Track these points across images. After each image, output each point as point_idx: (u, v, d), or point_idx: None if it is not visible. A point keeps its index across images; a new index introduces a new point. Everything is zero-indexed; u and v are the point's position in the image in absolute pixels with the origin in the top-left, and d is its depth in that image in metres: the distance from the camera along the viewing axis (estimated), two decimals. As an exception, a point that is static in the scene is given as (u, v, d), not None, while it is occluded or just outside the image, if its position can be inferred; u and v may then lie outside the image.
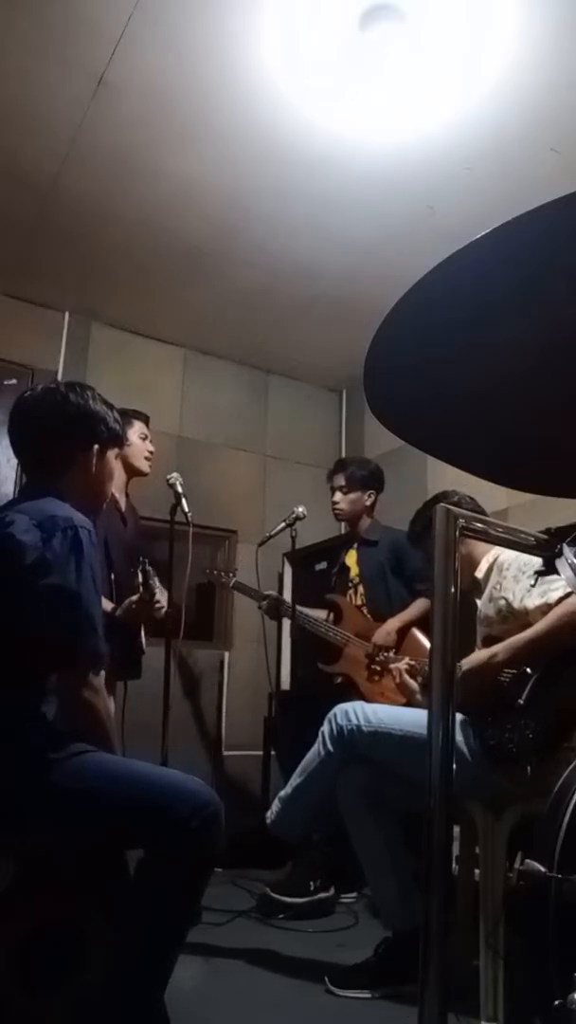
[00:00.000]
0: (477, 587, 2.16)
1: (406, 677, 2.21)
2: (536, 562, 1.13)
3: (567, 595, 1.83)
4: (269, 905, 2.51)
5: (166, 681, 2.60)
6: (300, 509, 3.09)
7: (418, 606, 2.92)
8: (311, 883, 2.58)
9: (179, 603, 2.75)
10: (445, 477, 2.96)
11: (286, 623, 3.50)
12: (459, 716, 1.83)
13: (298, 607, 3.12)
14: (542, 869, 0.96)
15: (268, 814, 2.23)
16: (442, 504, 1.12)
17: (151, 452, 2.87)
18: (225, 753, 3.88)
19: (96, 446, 1.61)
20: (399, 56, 2.25)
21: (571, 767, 1.05)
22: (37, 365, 3.71)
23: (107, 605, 2.38)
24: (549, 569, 1.09)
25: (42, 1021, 1.32)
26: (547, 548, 1.08)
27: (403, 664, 2.25)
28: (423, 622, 2.81)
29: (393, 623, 2.92)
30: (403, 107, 2.47)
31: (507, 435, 0.93)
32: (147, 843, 1.33)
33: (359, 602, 3.16)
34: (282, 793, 2.20)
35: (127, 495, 2.90)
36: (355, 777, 2.01)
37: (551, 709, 1.75)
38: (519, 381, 0.81)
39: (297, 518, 3.08)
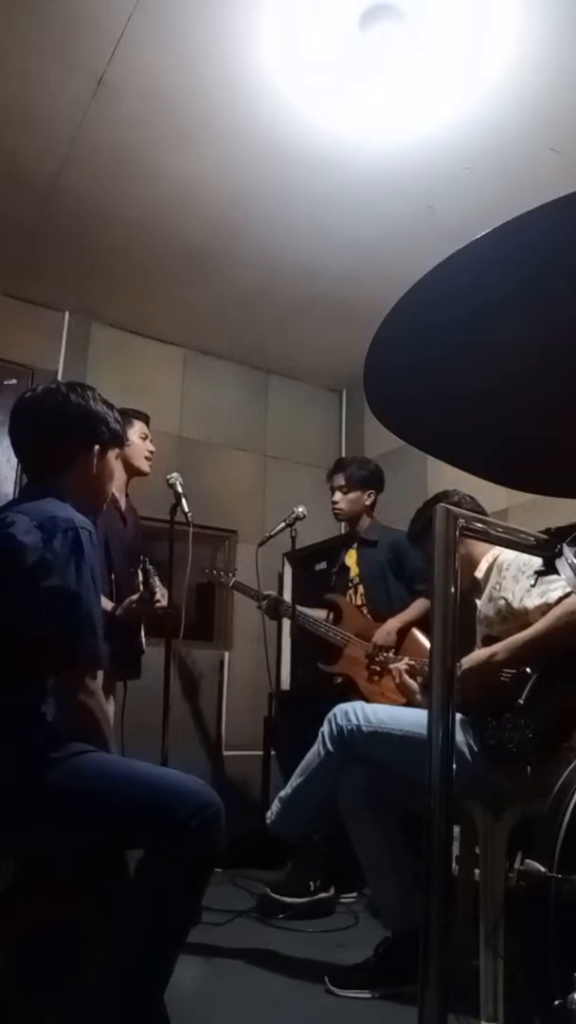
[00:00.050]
0: (477, 587, 2.16)
1: (406, 677, 2.21)
2: (536, 562, 1.13)
3: (567, 595, 1.83)
4: (269, 905, 2.51)
5: (166, 681, 2.60)
6: (300, 509, 3.09)
7: (418, 606, 2.91)
8: (311, 883, 2.58)
9: (179, 603, 2.75)
10: (445, 477, 2.96)
11: (286, 623, 3.50)
12: (459, 716, 1.83)
13: (298, 607, 3.12)
14: (542, 869, 0.96)
15: (268, 814, 2.23)
16: (442, 504, 1.12)
17: (151, 452, 2.87)
18: (225, 753, 3.88)
19: (97, 446, 1.61)
20: (399, 56, 2.25)
21: (571, 767, 1.05)
22: (37, 365, 3.71)
23: (107, 604, 2.38)
24: (549, 569, 1.09)
25: (42, 1021, 1.32)
26: (547, 548, 1.08)
27: (403, 664, 2.25)
28: (423, 622, 2.81)
29: (393, 623, 2.92)
30: (403, 107, 2.47)
31: (507, 435, 0.93)
32: (147, 843, 1.33)
33: (359, 602, 3.16)
34: (282, 793, 2.20)
35: (127, 495, 2.90)
36: (355, 777, 2.01)
37: (551, 709, 1.75)
38: (519, 381, 0.81)
39: (297, 518, 3.08)
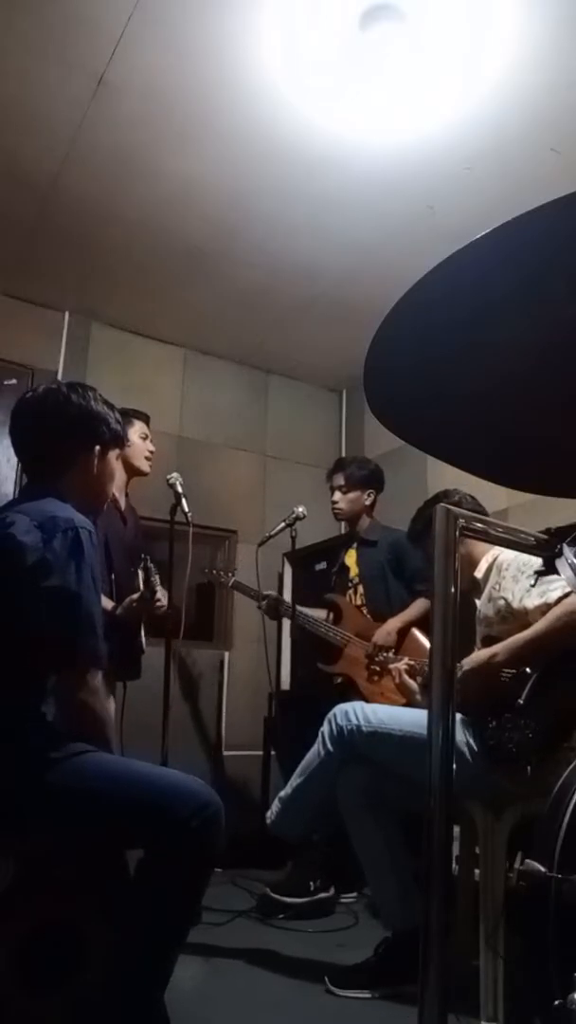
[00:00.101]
0: (477, 587, 2.16)
1: (406, 677, 2.21)
2: (535, 562, 1.13)
3: (566, 595, 1.83)
4: (269, 905, 2.51)
5: (166, 681, 2.60)
6: (300, 509, 3.09)
7: (418, 606, 2.91)
8: (311, 883, 2.58)
9: (179, 603, 2.75)
10: (445, 477, 2.96)
11: (286, 623, 3.50)
12: (459, 716, 1.83)
13: (298, 607, 3.12)
14: (542, 869, 0.96)
15: (268, 814, 2.23)
16: (442, 504, 1.12)
17: (151, 452, 2.87)
18: (225, 753, 3.88)
19: (97, 447, 1.61)
20: (399, 56, 2.25)
21: (571, 767, 1.05)
22: (37, 365, 3.71)
23: (107, 604, 2.38)
24: (549, 569, 1.08)
25: (42, 1021, 1.32)
26: (547, 548, 1.08)
27: (403, 664, 2.25)
28: (423, 622, 2.81)
29: (393, 623, 2.92)
30: (403, 107, 2.47)
31: (507, 435, 0.93)
32: (147, 843, 1.32)
33: (359, 602, 3.17)
34: (282, 793, 2.20)
35: (127, 495, 2.90)
36: (355, 777, 2.01)
37: (551, 709, 1.75)
38: (519, 381, 0.81)
39: (297, 518, 3.08)
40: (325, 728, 2.08)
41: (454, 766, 1.02)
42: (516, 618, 1.97)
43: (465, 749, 1.82)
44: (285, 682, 3.79)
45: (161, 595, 2.47)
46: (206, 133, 2.66)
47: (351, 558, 3.26)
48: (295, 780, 2.15)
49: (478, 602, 2.15)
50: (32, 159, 2.80)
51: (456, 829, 2.07)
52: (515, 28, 2.19)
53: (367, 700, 2.52)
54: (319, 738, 2.09)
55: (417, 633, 2.85)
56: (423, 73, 2.32)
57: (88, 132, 2.66)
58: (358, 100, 2.46)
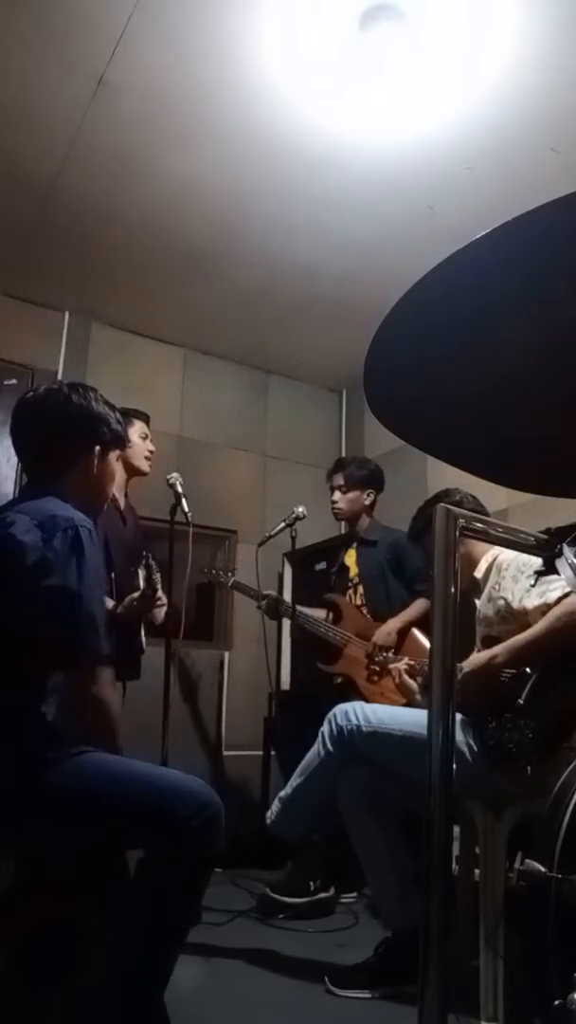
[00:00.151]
0: (477, 587, 2.16)
1: (406, 677, 2.21)
2: (535, 562, 1.13)
3: (566, 595, 1.83)
4: (269, 905, 2.51)
5: (166, 681, 2.60)
6: (300, 509, 3.09)
7: (418, 606, 2.92)
8: (311, 883, 2.58)
9: (179, 603, 2.75)
10: (445, 477, 2.96)
11: (286, 623, 3.50)
12: (459, 716, 1.83)
13: (298, 607, 3.12)
14: (542, 869, 0.96)
15: (268, 814, 2.23)
16: (442, 504, 1.12)
17: (151, 452, 2.87)
18: (225, 753, 3.88)
19: (98, 447, 1.61)
20: (399, 56, 2.25)
21: (571, 767, 1.05)
22: (37, 365, 3.71)
23: (108, 603, 2.38)
24: (549, 569, 1.08)
25: (42, 1021, 1.32)
26: (547, 548, 1.08)
27: (403, 664, 2.25)
28: (423, 622, 2.81)
29: (393, 623, 2.92)
30: (403, 107, 2.47)
31: (507, 435, 0.93)
32: (147, 843, 1.32)
33: (359, 602, 3.16)
34: (282, 793, 2.20)
35: (126, 495, 2.90)
36: (355, 777, 2.01)
37: (551, 709, 1.75)
38: (519, 381, 0.81)
39: (297, 518, 3.08)
40: (325, 728, 2.08)
41: (454, 766, 1.02)
42: (516, 618, 1.97)
43: (465, 749, 1.82)
44: (285, 682, 3.79)
45: (161, 594, 2.48)
46: (206, 133, 2.66)
47: (351, 558, 3.26)
48: (295, 780, 2.15)
49: (478, 602, 2.15)
50: (32, 159, 2.80)
51: (456, 829, 2.07)
52: (515, 28, 2.19)
53: (367, 700, 2.52)
54: (319, 738, 2.09)
55: (417, 633, 2.85)
56: (423, 73, 2.32)
57: (88, 132, 2.66)
58: (358, 100, 2.46)
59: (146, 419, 2.91)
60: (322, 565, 3.67)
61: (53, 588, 1.37)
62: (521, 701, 1.77)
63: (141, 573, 2.45)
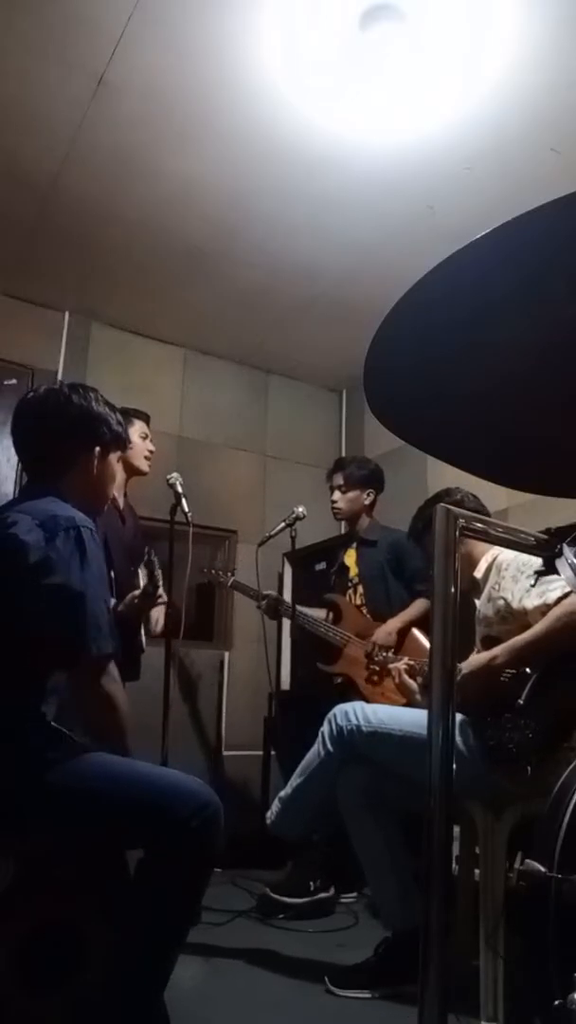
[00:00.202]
0: (476, 587, 2.16)
1: (405, 677, 2.21)
2: (535, 562, 1.13)
3: (565, 595, 1.83)
4: (269, 905, 2.51)
5: (166, 681, 2.60)
6: (300, 509, 3.09)
7: (418, 606, 2.91)
8: (311, 883, 2.58)
9: (179, 603, 2.75)
10: (445, 477, 2.96)
11: (286, 623, 3.50)
12: (459, 716, 1.83)
13: (298, 607, 3.12)
14: (542, 869, 0.96)
15: (268, 814, 2.23)
16: (442, 504, 1.12)
17: (151, 452, 2.87)
18: (225, 753, 3.88)
19: (98, 448, 1.61)
20: (399, 56, 2.25)
21: (571, 767, 1.05)
22: (37, 365, 3.71)
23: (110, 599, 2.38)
24: (549, 569, 1.08)
25: (42, 1021, 1.32)
26: (547, 548, 1.08)
27: (402, 664, 2.25)
28: (423, 622, 2.81)
29: (393, 623, 2.92)
30: (403, 107, 2.47)
31: (507, 435, 0.93)
32: (147, 843, 1.33)
33: (358, 602, 3.16)
34: (282, 793, 2.20)
35: (125, 494, 2.90)
36: (355, 777, 2.01)
37: (551, 709, 1.75)
38: (519, 381, 0.81)
39: (297, 518, 3.08)
40: (325, 728, 2.08)
41: (454, 766, 1.02)
42: (515, 618, 1.97)
43: (465, 749, 1.82)
44: (285, 682, 3.79)
45: (162, 591, 2.48)
46: (206, 133, 2.66)
47: (351, 558, 3.26)
48: (295, 780, 2.15)
49: (478, 602, 2.15)
50: (32, 159, 2.80)
51: (456, 829, 2.07)
52: (515, 28, 2.19)
53: (367, 700, 2.52)
54: (319, 738, 2.09)
55: (417, 633, 2.85)
56: (423, 73, 2.32)
57: (88, 132, 2.66)
58: (358, 100, 2.46)
59: (146, 419, 2.91)
60: (322, 565, 3.67)
61: (56, 587, 1.37)
62: (521, 701, 1.77)
63: (141, 573, 2.45)
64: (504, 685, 1.85)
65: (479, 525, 1.17)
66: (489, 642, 1.98)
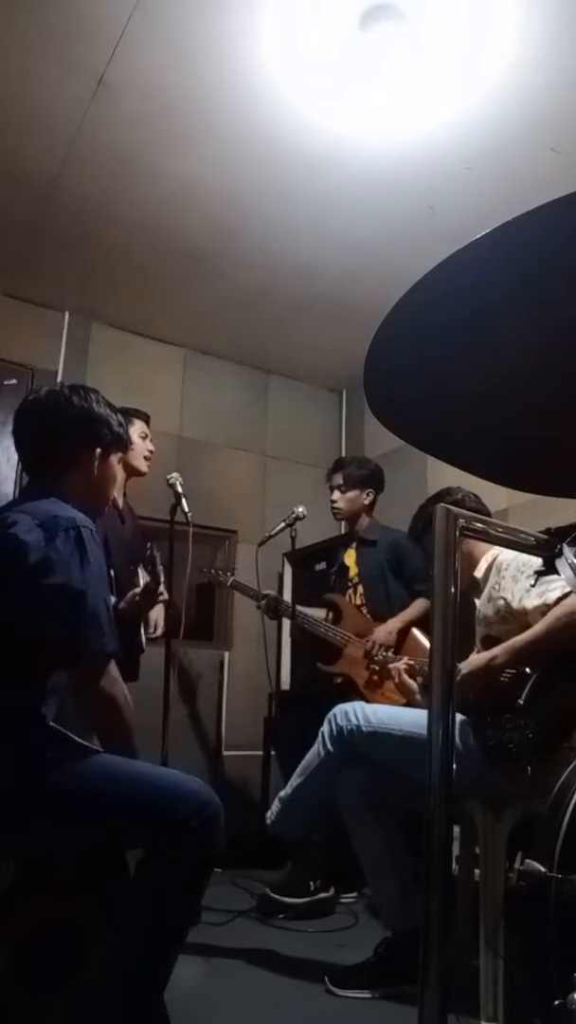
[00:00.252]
0: (476, 587, 2.16)
1: (405, 677, 2.21)
2: (535, 562, 1.13)
3: (565, 595, 1.83)
4: (269, 905, 2.51)
5: (166, 681, 2.60)
6: (300, 509, 3.09)
7: (418, 606, 2.91)
8: (311, 883, 2.58)
9: (179, 603, 2.75)
10: (445, 477, 2.96)
11: (286, 623, 3.50)
12: (459, 716, 1.83)
13: (298, 607, 3.12)
14: (542, 869, 0.96)
15: (268, 814, 2.23)
16: (442, 504, 1.12)
17: (151, 452, 2.87)
18: (225, 753, 3.88)
19: (99, 449, 1.61)
20: (399, 56, 2.25)
21: (571, 767, 1.05)
22: (37, 365, 3.71)
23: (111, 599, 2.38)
24: (549, 569, 1.08)
25: (42, 1021, 1.32)
26: (547, 548, 1.08)
27: (402, 664, 2.25)
28: (423, 622, 2.81)
29: (394, 623, 2.92)
30: (403, 107, 2.47)
31: (507, 435, 0.93)
32: (147, 843, 1.33)
33: (358, 602, 3.16)
34: (282, 793, 2.20)
35: (124, 494, 2.90)
36: (355, 777, 2.01)
37: (551, 709, 1.75)
38: (519, 381, 0.81)
39: (297, 518, 3.08)
40: (325, 728, 2.08)
41: (454, 766, 1.02)
42: (515, 618, 1.97)
43: (465, 749, 1.82)
44: (285, 682, 3.79)
45: (163, 588, 2.48)
46: (206, 133, 2.66)
47: (350, 558, 3.26)
48: (295, 780, 2.15)
49: (478, 602, 2.15)
50: (32, 159, 2.80)
51: (456, 829, 2.07)
52: (515, 28, 2.19)
53: (367, 700, 2.52)
54: (319, 738, 2.09)
55: (417, 633, 2.85)
56: (423, 73, 2.32)
57: (88, 132, 2.66)
58: (358, 100, 2.46)
59: (146, 419, 2.91)
60: (322, 565, 3.67)
61: (56, 587, 1.37)
62: (521, 701, 1.77)
63: (141, 572, 2.45)
64: (504, 685, 1.85)
65: (479, 525, 1.17)
66: (489, 642, 1.98)
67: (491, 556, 2.14)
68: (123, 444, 1.71)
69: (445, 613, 1.06)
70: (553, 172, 2.68)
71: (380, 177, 2.82)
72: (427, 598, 2.61)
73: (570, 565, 1.03)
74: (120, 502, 2.84)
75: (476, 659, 1.93)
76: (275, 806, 2.20)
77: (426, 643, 2.68)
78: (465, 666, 1.90)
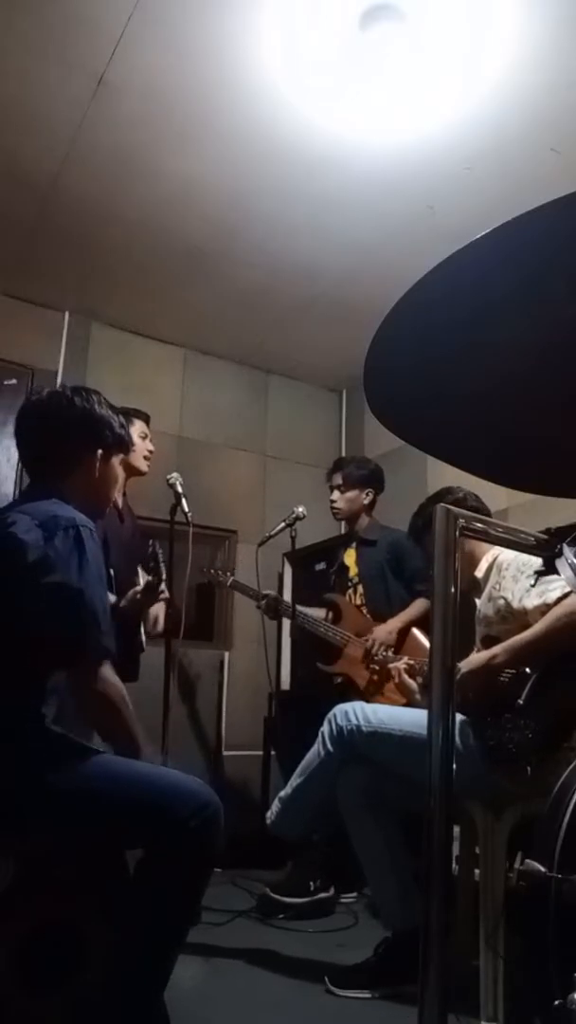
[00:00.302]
0: (477, 586, 2.16)
1: (405, 677, 2.21)
2: (535, 562, 1.13)
3: (566, 595, 1.83)
4: (269, 905, 2.51)
5: (166, 681, 2.60)
6: (300, 509, 3.09)
7: (418, 606, 2.91)
8: (311, 883, 2.58)
9: (179, 603, 2.75)
10: (445, 477, 2.96)
11: (286, 623, 3.50)
12: (459, 716, 1.83)
13: (298, 607, 3.12)
14: (542, 869, 0.96)
15: (268, 814, 2.23)
16: (442, 504, 1.12)
17: (151, 451, 2.87)
18: (225, 753, 3.88)
19: (100, 450, 1.61)
20: (399, 56, 2.25)
21: (571, 767, 1.05)
22: (37, 365, 3.71)
23: (110, 598, 2.38)
24: (549, 569, 1.08)
25: (42, 1021, 1.32)
26: (547, 548, 1.08)
27: (402, 664, 2.25)
28: (423, 622, 2.81)
29: (394, 623, 2.92)
30: (403, 107, 2.47)
31: (507, 435, 0.93)
32: (147, 843, 1.33)
33: (358, 602, 3.16)
34: (282, 793, 2.20)
35: (124, 494, 2.90)
36: (355, 777, 2.01)
37: (551, 709, 1.75)
38: (519, 381, 0.81)
39: (297, 518, 3.09)
40: (325, 728, 2.08)
41: (454, 766, 1.02)
42: (516, 618, 1.97)
43: (465, 749, 1.82)
44: (285, 682, 3.79)
45: (164, 586, 2.48)
46: (206, 133, 2.66)
47: (350, 557, 3.26)
48: (295, 780, 2.15)
49: (478, 602, 2.15)
50: (32, 159, 2.80)
51: (456, 829, 2.07)
52: (515, 28, 2.19)
53: (367, 700, 2.52)
54: (319, 738, 2.09)
55: (417, 633, 2.85)
56: (423, 73, 2.32)
57: (88, 132, 2.66)
58: (358, 100, 2.46)
59: (146, 419, 2.91)
60: (322, 565, 3.67)
61: (54, 585, 1.37)
62: (521, 701, 1.77)
63: (141, 572, 2.45)
64: (504, 685, 1.85)
65: (479, 525, 1.17)
66: (489, 642, 1.98)
67: (492, 556, 2.14)
68: (125, 446, 1.71)
69: (445, 613, 1.06)
70: (553, 172, 2.68)
71: (380, 177, 2.82)
72: (427, 598, 2.61)
73: (570, 565, 1.03)
74: (119, 502, 2.84)
75: (476, 658, 1.93)
76: (275, 806, 2.20)
77: (426, 643, 2.68)
78: (465, 665, 1.90)
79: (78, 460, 1.60)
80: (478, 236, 0.66)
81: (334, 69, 2.33)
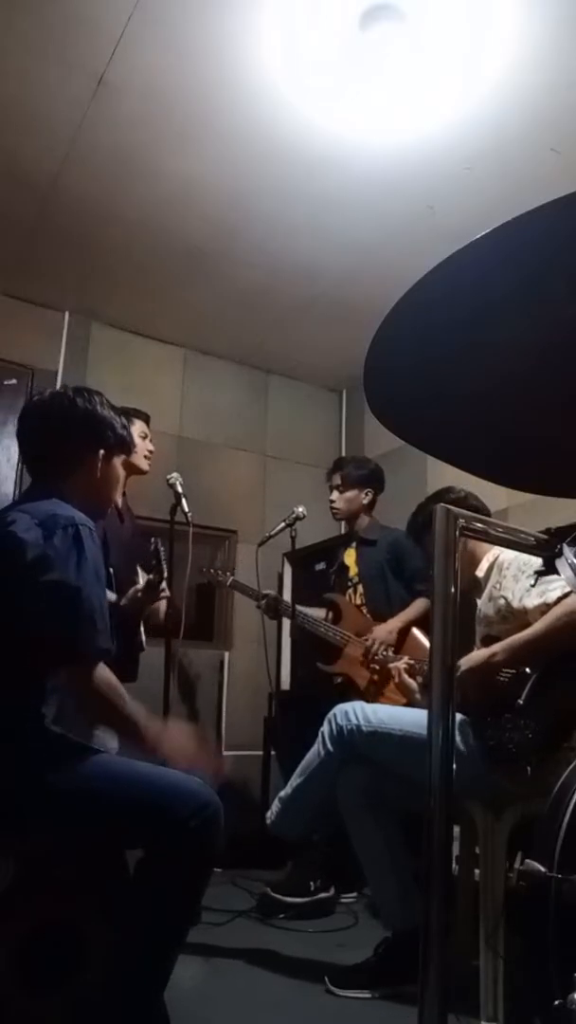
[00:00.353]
0: (477, 586, 2.16)
1: (405, 677, 2.21)
2: (535, 562, 1.13)
3: (566, 595, 1.83)
4: (269, 905, 2.51)
5: (166, 681, 2.60)
6: (300, 509, 3.09)
7: (418, 606, 2.91)
8: (311, 883, 2.58)
9: (179, 603, 2.75)
10: (445, 477, 2.96)
11: (286, 623, 3.50)
12: (459, 716, 1.83)
13: (298, 607, 3.12)
14: (542, 869, 0.96)
15: (268, 814, 2.23)
16: (442, 504, 1.12)
17: (151, 451, 2.87)
18: (225, 753, 3.88)
19: (102, 451, 1.61)
20: (399, 56, 2.25)
21: (571, 767, 1.05)
22: (37, 365, 3.71)
23: (110, 596, 2.38)
24: (549, 569, 1.08)
25: (42, 1021, 1.32)
26: (547, 548, 1.08)
27: (402, 664, 2.25)
28: (423, 622, 2.81)
29: (394, 623, 2.92)
30: (403, 107, 2.47)
31: (507, 435, 0.93)
32: (147, 843, 1.33)
33: (358, 601, 3.16)
34: (282, 793, 2.20)
35: (124, 494, 2.90)
36: (355, 777, 2.01)
37: (551, 709, 1.75)
38: (519, 381, 0.81)
39: (297, 518, 3.09)
40: (325, 728, 2.08)
41: (454, 766, 1.02)
42: (516, 618, 1.97)
43: (465, 749, 1.82)
44: (285, 682, 3.79)
45: (164, 585, 2.48)
46: (206, 133, 2.66)
47: (350, 557, 3.26)
48: (295, 780, 2.15)
49: (479, 601, 2.15)
50: (32, 159, 2.80)
51: (456, 829, 2.07)
52: (515, 28, 2.19)
53: (367, 700, 2.52)
54: (319, 738, 2.09)
55: (417, 633, 2.85)
56: (423, 73, 2.32)
57: (88, 132, 2.66)
58: (358, 100, 2.45)
59: (146, 419, 2.91)
60: (322, 565, 3.67)
61: (53, 584, 1.37)
62: (521, 701, 1.77)
63: (140, 572, 2.45)
64: (504, 685, 1.85)
65: (479, 525, 1.17)
66: (489, 641, 1.98)
67: (492, 555, 2.14)
68: (127, 446, 1.71)
69: (445, 613, 1.06)
70: (553, 172, 2.68)
71: (380, 177, 2.82)
72: (427, 598, 2.61)
73: (570, 565, 1.03)
74: (120, 502, 2.84)
75: (475, 655, 1.93)
76: (275, 806, 2.20)
77: (426, 643, 2.67)
78: (464, 662, 1.90)
79: (80, 460, 1.60)
80: (478, 236, 0.66)
81: (334, 69, 2.33)
